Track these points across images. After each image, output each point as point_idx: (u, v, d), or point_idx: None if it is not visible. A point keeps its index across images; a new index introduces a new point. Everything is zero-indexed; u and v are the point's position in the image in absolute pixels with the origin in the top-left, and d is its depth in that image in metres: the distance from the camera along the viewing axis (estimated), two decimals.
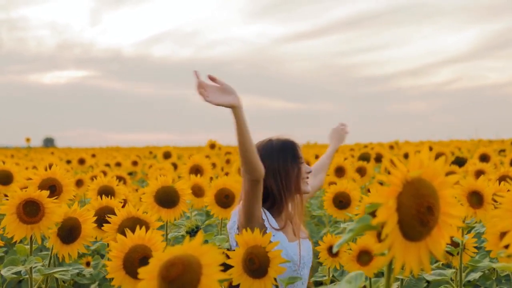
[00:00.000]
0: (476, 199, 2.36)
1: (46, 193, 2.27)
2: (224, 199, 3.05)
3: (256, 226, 2.09)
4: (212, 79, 2.01)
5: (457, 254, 2.48)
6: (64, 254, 2.22)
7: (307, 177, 2.30)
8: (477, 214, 2.36)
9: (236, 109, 2.00)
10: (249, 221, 2.15)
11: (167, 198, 2.65)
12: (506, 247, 1.12)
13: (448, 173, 3.89)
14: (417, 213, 1.03)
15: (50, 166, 2.67)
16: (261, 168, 2.06)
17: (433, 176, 1.08)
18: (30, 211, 2.25)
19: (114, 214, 2.22)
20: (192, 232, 2.34)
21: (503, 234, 1.82)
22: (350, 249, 2.42)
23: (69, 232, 2.20)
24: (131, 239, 1.72)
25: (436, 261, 2.71)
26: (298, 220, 2.29)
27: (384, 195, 1.02)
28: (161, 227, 2.61)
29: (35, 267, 2.36)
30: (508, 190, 2.14)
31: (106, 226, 2.19)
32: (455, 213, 1.09)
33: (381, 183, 4.61)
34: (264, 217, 2.19)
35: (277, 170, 2.23)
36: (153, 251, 1.70)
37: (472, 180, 2.37)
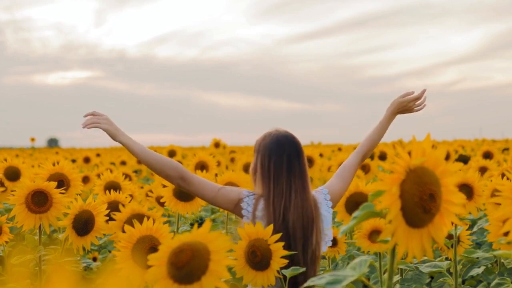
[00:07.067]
0: (465, 192, 2.35)
1: (54, 183, 2.31)
2: None
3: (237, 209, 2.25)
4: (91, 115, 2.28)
5: (451, 246, 2.48)
6: (78, 246, 2.25)
7: None
8: (467, 207, 2.36)
9: (115, 136, 2.29)
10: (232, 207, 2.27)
11: (186, 193, 2.68)
12: (506, 234, 1.14)
13: None
14: (419, 200, 1.06)
15: (58, 162, 2.70)
16: (171, 172, 2.25)
17: (435, 164, 1.10)
18: (39, 201, 2.29)
19: (122, 207, 2.24)
20: (198, 224, 2.37)
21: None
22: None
23: (84, 224, 2.23)
24: (139, 230, 1.75)
25: (440, 256, 2.73)
26: None
27: (387, 182, 1.05)
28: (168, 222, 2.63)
29: (45, 259, 2.39)
30: None
31: (111, 223, 2.20)
32: (457, 201, 1.12)
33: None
34: (245, 206, 2.24)
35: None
36: (161, 241, 1.73)
37: (461, 172, 2.37)
